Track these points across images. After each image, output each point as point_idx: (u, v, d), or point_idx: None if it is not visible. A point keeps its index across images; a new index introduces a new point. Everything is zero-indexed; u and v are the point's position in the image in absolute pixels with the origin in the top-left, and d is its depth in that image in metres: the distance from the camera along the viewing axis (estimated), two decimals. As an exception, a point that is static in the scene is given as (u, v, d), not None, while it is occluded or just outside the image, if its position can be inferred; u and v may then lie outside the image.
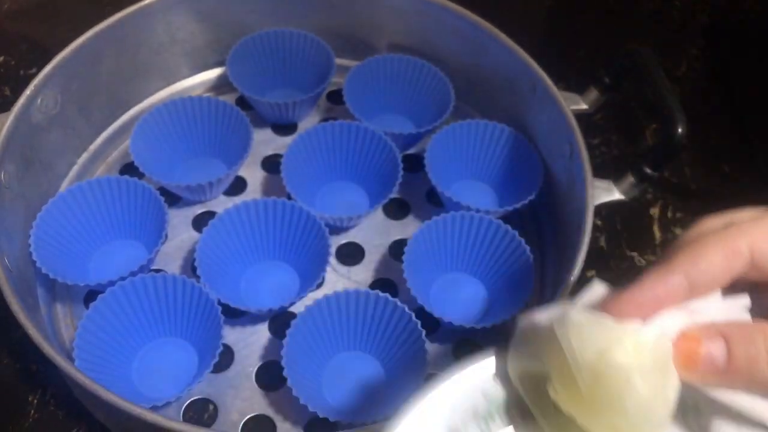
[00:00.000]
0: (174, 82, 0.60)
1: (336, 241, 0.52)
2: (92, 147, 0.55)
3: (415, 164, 0.55)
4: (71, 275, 0.45)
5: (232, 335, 0.47)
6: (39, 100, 0.48)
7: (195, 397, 0.44)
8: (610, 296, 0.23)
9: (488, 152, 0.54)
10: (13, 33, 0.66)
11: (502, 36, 0.53)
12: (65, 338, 0.47)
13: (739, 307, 0.23)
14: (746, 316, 0.23)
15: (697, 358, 0.21)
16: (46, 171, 0.50)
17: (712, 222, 0.25)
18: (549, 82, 0.50)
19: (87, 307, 0.43)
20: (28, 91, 0.46)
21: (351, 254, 0.52)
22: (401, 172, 0.50)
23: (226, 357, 0.46)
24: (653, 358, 0.20)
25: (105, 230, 0.49)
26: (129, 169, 0.55)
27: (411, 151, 0.57)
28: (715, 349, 0.21)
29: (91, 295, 0.46)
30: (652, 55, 0.45)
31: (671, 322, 0.22)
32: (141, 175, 0.50)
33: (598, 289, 0.24)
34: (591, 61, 0.55)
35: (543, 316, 0.23)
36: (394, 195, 0.53)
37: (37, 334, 0.37)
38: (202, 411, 0.44)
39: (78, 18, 0.65)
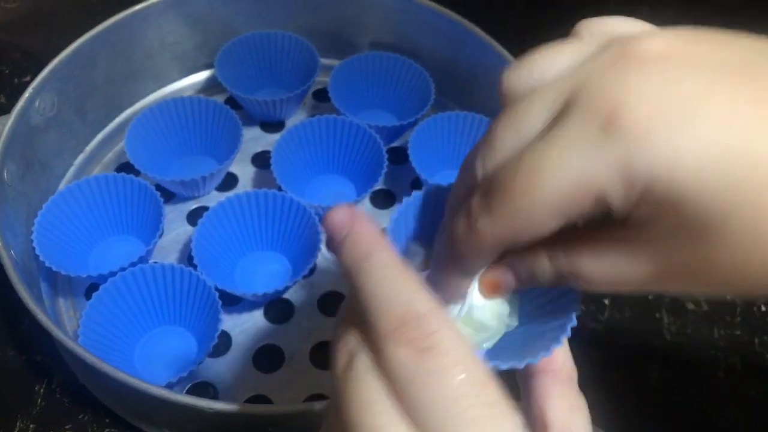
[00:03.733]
0: (165, 84, 0.62)
1: (326, 231, 0.54)
2: (88, 148, 0.57)
3: (399, 157, 0.58)
4: (73, 268, 0.47)
5: (229, 321, 0.49)
6: (37, 103, 0.50)
7: (196, 381, 0.46)
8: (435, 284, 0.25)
9: (468, 142, 0.57)
10: (6, 43, 0.68)
11: (479, 31, 0.55)
12: (68, 330, 0.49)
13: None
14: None
15: (496, 287, 0.24)
16: (45, 171, 0.52)
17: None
18: (523, 72, 0.52)
19: (89, 299, 0.45)
20: (26, 94, 0.49)
21: (341, 242, 0.54)
22: (386, 163, 0.53)
23: (224, 342, 0.48)
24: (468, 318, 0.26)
25: (104, 226, 0.51)
26: (124, 169, 0.57)
27: (395, 144, 0.60)
28: (506, 277, 0.24)
29: (92, 289, 0.47)
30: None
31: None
32: (137, 174, 0.52)
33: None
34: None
35: None
36: (380, 186, 0.56)
37: (45, 318, 0.39)
38: (203, 393, 0.46)
39: (69, 27, 0.67)
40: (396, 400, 0.19)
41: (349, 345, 0.21)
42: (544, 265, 0.23)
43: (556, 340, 0.23)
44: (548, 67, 0.22)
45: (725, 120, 0.18)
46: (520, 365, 0.23)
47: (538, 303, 0.27)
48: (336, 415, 0.21)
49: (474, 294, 0.25)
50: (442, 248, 0.25)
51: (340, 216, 0.22)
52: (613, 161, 0.19)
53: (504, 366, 0.23)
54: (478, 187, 0.22)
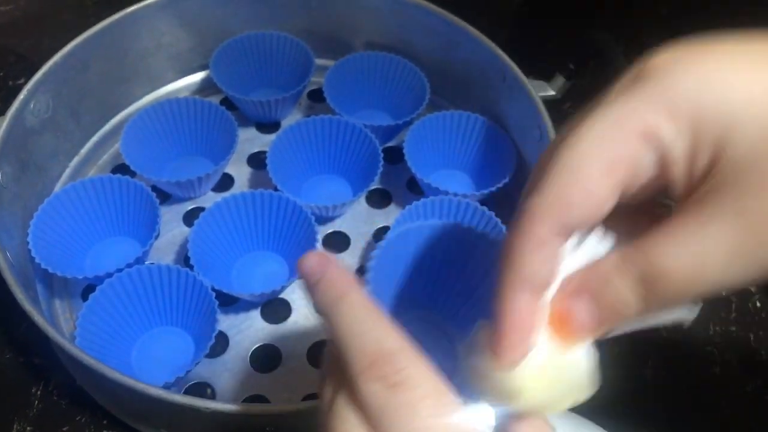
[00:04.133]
0: (160, 86, 0.62)
1: (322, 231, 0.54)
2: (83, 150, 0.57)
3: (394, 156, 0.58)
4: (69, 270, 0.47)
5: (225, 322, 0.49)
6: (32, 105, 0.50)
7: (193, 381, 0.46)
8: (491, 342, 0.21)
9: (463, 141, 0.57)
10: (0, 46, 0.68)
11: (473, 30, 0.55)
12: (65, 332, 0.49)
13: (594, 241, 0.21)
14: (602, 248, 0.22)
15: (570, 322, 0.21)
16: (40, 173, 0.52)
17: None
18: (518, 71, 0.53)
19: (85, 301, 0.45)
20: (21, 96, 0.48)
21: (337, 242, 0.54)
22: (381, 162, 0.53)
23: (222, 343, 0.48)
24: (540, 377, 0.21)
25: (100, 227, 0.51)
26: (120, 171, 0.57)
27: (390, 144, 0.60)
28: (578, 305, 0.21)
29: (88, 291, 0.47)
30: (612, 40, 0.48)
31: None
32: (132, 175, 0.52)
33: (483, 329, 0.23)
34: (557, 50, 0.58)
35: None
36: (376, 185, 0.56)
37: (41, 319, 0.39)
38: (200, 394, 0.46)
39: (63, 30, 0.67)
40: (371, 430, 0.20)
41: (332, 383, 0.23)
42: (621, 271, 0.20)
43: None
44: None
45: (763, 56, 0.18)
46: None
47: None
48: None
49: (546, 342, 0.21)
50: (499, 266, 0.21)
51: (312, 262, 0.23)
52: (652, 96, 0.19)
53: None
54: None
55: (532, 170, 0.22)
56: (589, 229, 0.21)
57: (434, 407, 0.20)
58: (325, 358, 0.24)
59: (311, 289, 0.23)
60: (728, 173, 0.18)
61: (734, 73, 0.18)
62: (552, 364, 0.21)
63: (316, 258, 0.23)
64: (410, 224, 0.28)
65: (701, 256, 0.18)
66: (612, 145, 0.19)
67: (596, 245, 0.22)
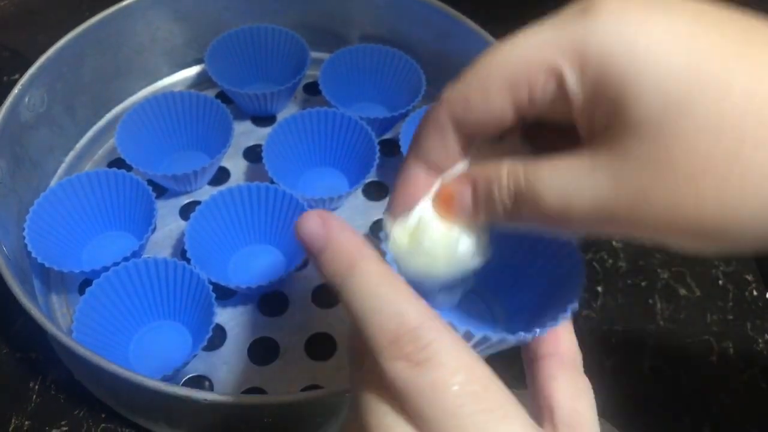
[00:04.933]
0: (155, 80, 0.62)
1: (319, 224, 0.54)
2: (78, 145, 0.57)
3: (391, 148, 0.58)
4: (65, 264, 0.47)
5: (223, 315, 0.49)
6: (26, 99, 0.49)
7: (191, 374, 0.46)
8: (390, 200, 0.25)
9: (460, 132, 0.57)
10: (-6, 42, 0.68)
11: (467, 21, 0.55)
12: (62, 327, 0.49)
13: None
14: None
15: (451, 202, 0.23)
16: (35, 168, 0.52)
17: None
18: (513, 62, 0.53)
19: (82, 295, 0.45)
20: (15, 90, 0.48)
21: (334, 235, 0.54)
22: (378, 154, 0.53)
23: (219, 336, 0.48)
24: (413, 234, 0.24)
25: (96, 222, 0.51)
26: (115, 165, 0.56)
27: (386, 136, 0.60)
28: (463, 191, 0.23)
29: (85, 285, 0.47)
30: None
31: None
32: (128, 170, 0.52)
33: None
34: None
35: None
36: (372, 178, 0.56)
37: (38, 313, 0.39)
38: (198, 387, 0.46)
39: (57, 25, 0.67)
40: (401, 408, 0.19)
41: (357, 362, 0.22)
42: (502, 178, 0.22)
43: (554, 320, 0.23)
44: None
45: (692, 18, 0.19)
46: (512, 338, 0.23)
47: (539, 267, 0.27)
48: (352, 419, 0.21)
49: (427, 210, 0.24)
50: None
51: (312, 225, 0.21)
52: (572, 34, 0.19)
53: (495, 337, 0.23)
54: None
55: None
56: (487, 138, 0.23)
57: (467, 382, 0.19)
58: (350, 335, 0.23)
59: (315, 259, 0.21)
60: (617, 133, 0.19)
61: (663, 36, 0.19)
62: (429, 231, 0.23)
63: (316, 220, 0.21)
64: None
65: (570, 192, 0.20)
66: (518, 68, 0.20)
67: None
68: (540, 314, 0.25)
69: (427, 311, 0.20)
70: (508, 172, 0.21)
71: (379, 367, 0.19)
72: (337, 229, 0.21)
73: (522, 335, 0.23)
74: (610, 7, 0.19)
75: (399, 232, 0.24)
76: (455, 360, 0.19)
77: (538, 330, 0.23)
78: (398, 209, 0.24)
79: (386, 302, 0.20)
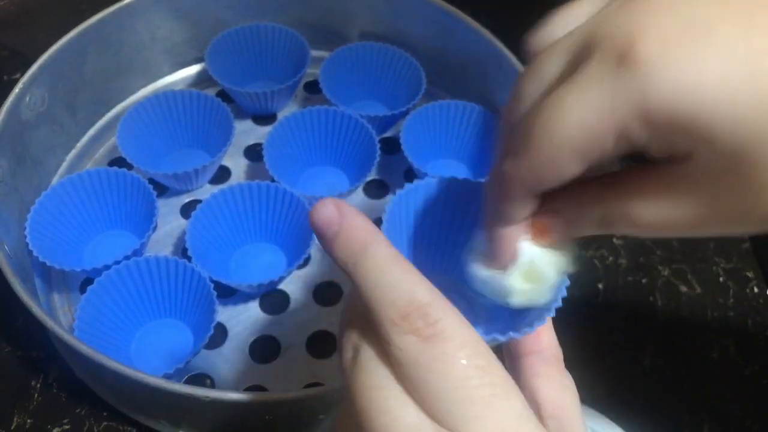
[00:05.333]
0: (155, 79, 0.62)
1: (320, 222, 0.54)
2: (79, 144, 0.57)
3: (391, 147, 0.58)
4: (67, 263, 0.47)
5: (224, 313, 0.49)
6: (27, 98, 0.50)
7: (192, 372, 0.47)
8: (488, 245, 0.25)
9: (460, 130, 0.57)
10: (-6, 41, 0.68)
11: (468, 18, 0.55)
12: (64, 325, 0.49)
13: None
14: None
15: (544, 228, 0.24)
16: (36, 167, 0.52)
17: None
18: (514, 59, 0.53)
19: (83, 294, 0.45)
20: (16, 89, 0.48)
21: (334, 233, 0.54)
22: (378, 152, 0.53)
23: (221, 334, 0.48)
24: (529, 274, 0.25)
25: (97, 221, 0.51)
26: (116, 164, 0.56)
27: (387, 134, 0.60)
28: (555, 224, 0.24)
29: (86, 284, 0.47)
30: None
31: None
32: (129, 168, 0.52)
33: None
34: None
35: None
36: (373, 176, 0.56)
37: (40, 311, 0.39)
38: (199, 385, 0.46)
39: (57, 24, 0.67)
40: (403, 385, 0.20)
41: (353, 338, 0.22)
42: (593, 207, 0.22)
43: (540, 318, 0.24)
44: (567, 20, 0.23)
45: (744, 38, 0.18)
46: (503, 338, 0.24)
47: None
48: (347, 408, 0.21)
49: (530, 247, 0.25)
50: (483, 205, 0.25)
51: (328, 211, 0.22)
52: (629, 94, 0.19)
53: (487, 337, 0.23)
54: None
55: (501, 121, 0.24)
56: None
57: (473, 356, 0.19)
58: (347, 314, 0.23)
59: (329, 243, 0.22)
60: (702, 164, 0.19)
61: (726, 72, 0.18)
62: (534, 263, 0.25)
63: (331, 206, 0.22)
64: (417, 181, 0.28)
65: (665, 214, 0.21)
66: (588, 142, 0.20)
67: None
68: (521, 312, 0.26)
69: (436, 291, 0.20)
70: (597, 205, 0.22)
71: (389, 341, 0.20)
72: (352, 214, 0.22)
73: (511, 335, 0.24)
74: (651, 53, 0.18)
75: (516, 280, 0.25)
76: (462, 336, 0.20)
77: (526, 329, 0.24)
78: (505, 261, 0.25)
79: (399, 280, 0.20)
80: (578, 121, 0.20)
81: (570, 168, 0.21)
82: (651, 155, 0.20)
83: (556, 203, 0.23)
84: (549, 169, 0.21)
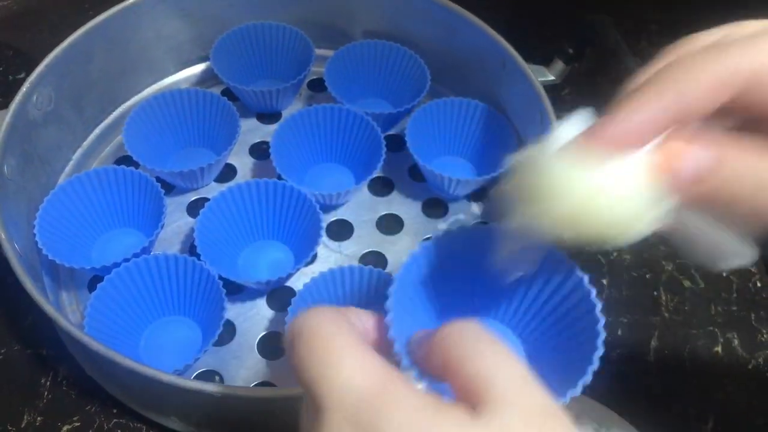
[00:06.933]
0: (161, 78, 0.62)
1: (326, 219, 0.54)
2: (86, 143, 0.58)
3: (396, 144, 0.58)
4: (75, 261, 0.47)
5: (232, 311, 0.49)
6: (34, 97, 0.50)
7: (201, 369, 0.47)
8: (598, 122, 0.22)
9: (464, 127, 0.57)
10: (-2, 41, 0.68)
11: (471, 16, 0.56)
12: (73, 323, 0.49)
13: None
14: None
15: (679, 163, 0.22)
16: (44, 166, 0.52)
17: (704, 38, 0.24)
18: (517, 57, 0.53)
19: (92, 292, 0.46)
20: (24, 88, 0.49)
21: (341, 230, 0.54)
22: (384, 149, 0.53)
23: (229, 331, 0.49)
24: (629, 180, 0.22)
25: (105, 219, 0.52)
26: (122, 163, 0.56)
27: (391, 132, 0.60)
28: (704, 154, 0.22)
29: (94, 282, 0.48)
30: (610, 22, 0.48)
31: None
32: (135, 167, 0.52)
33: (582, 118, 0.24)
34: (555, 34, 0.59)
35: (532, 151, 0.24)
36: (378, 173, 0.56)
37: (50, 307, 0.39)
38: (208, 381, 0.46)
39: (61, 24, 0.68)
40: None
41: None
42: (711, 151, 0.22)
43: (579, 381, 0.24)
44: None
45: None
46: (564, 399, 0.24)
47: (556, 316, 0.27)
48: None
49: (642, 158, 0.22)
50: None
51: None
52: (752, 53, 0.22)
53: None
54: None
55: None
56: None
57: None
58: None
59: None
60: None
61: None
62: (629, 187, 0.21)
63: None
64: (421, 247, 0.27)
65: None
66: (728, 73, 0.22)
67: None
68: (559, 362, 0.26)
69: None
70: (711, 149, 0.22)
71: None
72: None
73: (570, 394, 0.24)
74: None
75: (611, 185, 0.21)
76: None
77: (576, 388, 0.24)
78: (616, 137, 0.22)
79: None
80: (726, 58, 0.22)
81: (707, 92, 0.21)
82: None
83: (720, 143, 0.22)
84: (690, 88, 0.22)
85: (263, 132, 0.60)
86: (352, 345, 0.21)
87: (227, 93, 0.61)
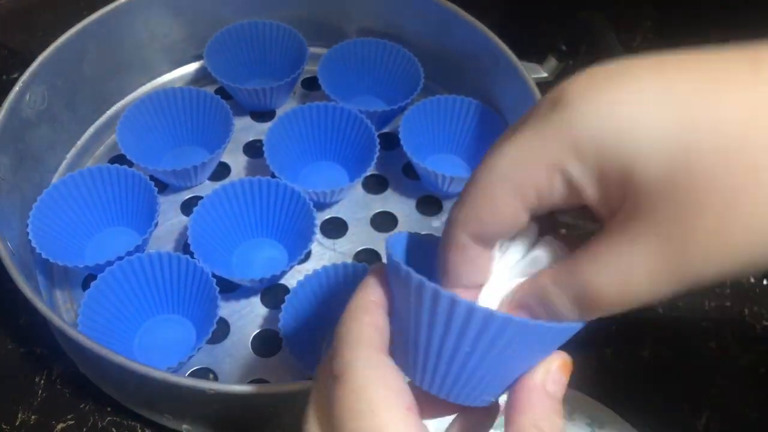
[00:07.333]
0: (155, 77, 0.62)
1: (320, 217, 0.54)
2: (80, 142, 0.58)
3: (389, 142, 0.58)
4: (69, 259, 0.47)
5: (226, 309, 0.49)
6: (27, 96, 0.50)
7: (195, 367, 0.47)
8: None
9: (457, 125, 0.57)
10: (-8, 40, 0.68)
11: (464, 14, 0.56)
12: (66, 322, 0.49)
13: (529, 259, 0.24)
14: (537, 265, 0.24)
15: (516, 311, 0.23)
16: (37, 165, 0.52)
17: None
18: (511, 54, 0.53)
19: (86, 290, 0.45)
20: (17, 87, 0.49)
21: (335, 228, 0.54)
22: (378, 148, 0.53)
23: (223, 329, 0.49)
24: None
25: (99, 217, 0.52)
26: (116, 162, 0.57)
27: (385, 129, 0.60)
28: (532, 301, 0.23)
29: (88, 281, 0.48)
30: (604, 20, 0.49)
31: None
32: (129, 166, 0.52)
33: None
34: (548, 31, 0.59)
35: None
36: (372, 171, 0.56)
37: (43, 306, 0.39)
38: (202, 378, 0.46)
39: (54, 24, 0.67)
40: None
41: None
42: (554, 290, 0.22)
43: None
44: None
45: (656, 79, 0.19)
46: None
47: None
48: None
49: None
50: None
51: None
52: (557, 129, 0.20)
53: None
54: None
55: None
56: (512, 235, 0.23)
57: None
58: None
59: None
60: (641, 203, 0.19)
61: (640, 104, 0.19)
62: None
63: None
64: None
65: (627, 275, 0.20)
66: (521, 174, 0.21)
67: (531, 245, 0.24)
68: None
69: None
70: (557, 282, 0.22)
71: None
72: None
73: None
74: (576, 92, 0.20)
75: None
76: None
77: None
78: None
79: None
80: (513, 155, 0.21)
81: (508, 208, 0.21)
82: (598, 213, 0.21)
83: (518, 297, 0.23)
84: (486, 210, 0.22)
85: (257, 130, 0.60)
86: (397, 421, 0.22)
87: (221, 91, 0.61)
